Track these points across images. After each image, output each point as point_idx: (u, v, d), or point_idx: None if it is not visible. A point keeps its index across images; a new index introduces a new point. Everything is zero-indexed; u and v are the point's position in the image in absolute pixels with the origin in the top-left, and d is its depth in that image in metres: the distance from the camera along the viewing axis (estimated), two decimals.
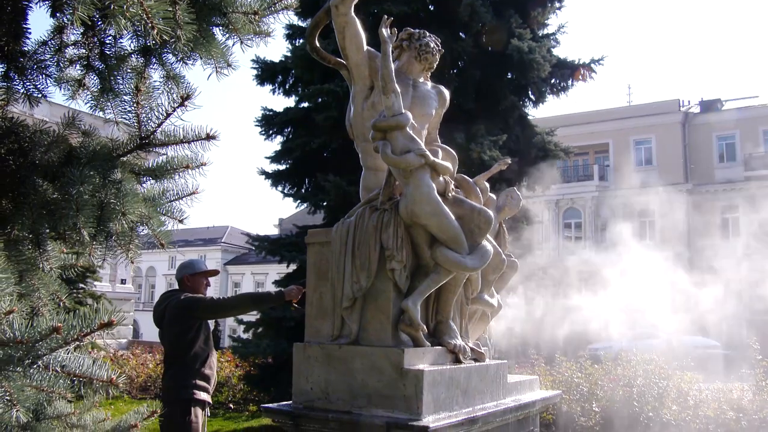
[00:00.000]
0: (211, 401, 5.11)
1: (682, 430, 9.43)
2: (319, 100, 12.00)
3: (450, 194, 4.39)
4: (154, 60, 2.60)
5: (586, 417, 10.28)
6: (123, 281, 33.77)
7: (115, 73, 2.61)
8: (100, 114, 2.64)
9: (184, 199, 2.74)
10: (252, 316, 12.37)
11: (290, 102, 13.70)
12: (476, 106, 12.51)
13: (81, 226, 2.33)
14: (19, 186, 2.45)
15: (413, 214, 4.11)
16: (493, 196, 5.40)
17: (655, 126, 37.40)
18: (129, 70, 2.62)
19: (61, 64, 2.72)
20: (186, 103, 2.50)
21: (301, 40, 12.74)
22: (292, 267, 12.51)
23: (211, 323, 5.52)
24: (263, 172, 13.21)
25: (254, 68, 13.29)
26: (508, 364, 5.17)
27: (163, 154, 2.66)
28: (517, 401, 4.87)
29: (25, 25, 2.72)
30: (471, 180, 4.92)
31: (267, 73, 13.31)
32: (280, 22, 2.76)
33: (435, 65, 4.94)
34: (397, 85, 4.21)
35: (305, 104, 12.83)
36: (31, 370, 1.93)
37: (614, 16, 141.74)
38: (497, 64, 12.84)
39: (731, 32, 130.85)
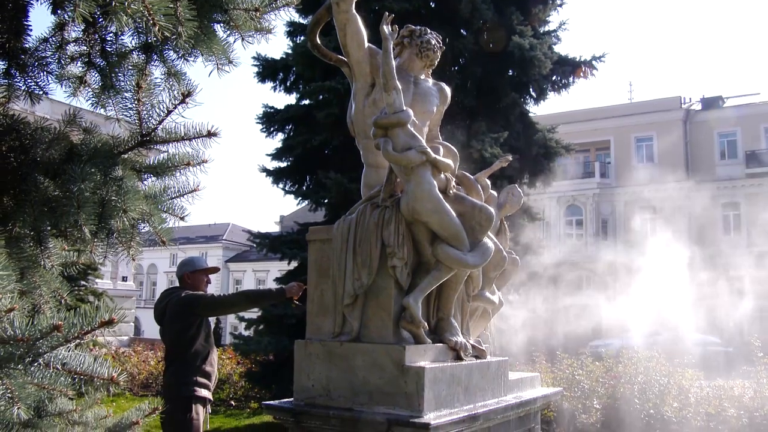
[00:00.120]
0: (212, 398, 5.12)
1: (683, 427, 9.43)
2: (320, 97, 11.99)
3: (451, 191, 4.39)
4: (155, 57, 2.60)
5: (587, 414, 10.28)
6: (124, 278, 33.80)
7: (117, 70, 2.61)
8: (101, 111, 2.64)
9: (185, 196, 2.74)
10: (253, 314, 12.37)
11: (291, 99, 13.70)
12: (477, 104, 12.51)
13: (82, 223, 2.33)
14: (21, 183, 2.45)
15: (414, 211, 4.11)
16: (495, 193, 5.39)
17: (657, 123, 37.37)
18: (130, 67, 2.62)
19: (62, 61, 2.71)
20: (187, 100, 2.49)
21: (302, 37, 12.72)
22: (294, 264, 12.51)
23: (212, 320, 5.53)
24: (264, 170, 13.21)
25: (255, 65, 13.28)
26: (510, 361, 5.17)
27: (165, 152, 2.66)
28: (518, 398, 4.87)
29: (26, 22, 2.71)
30: (472, 177, 4.92)
31: (268, 70, 13.29)
32: (281, 19, 2.76)
33: (436, 62, 4.94)
34: (398, 82, 4.21)
35: (306, 101, 12.82)
36: (32, 368, 1.93)
37: (615, 13, 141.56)
38: (498, 62, 12.82)
39: (733, 29, 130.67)
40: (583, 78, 13.85)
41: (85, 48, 2.72)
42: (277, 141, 13.35)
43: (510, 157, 5.78)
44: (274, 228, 45.72)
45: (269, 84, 13.47)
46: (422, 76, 4.88)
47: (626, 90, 77.10)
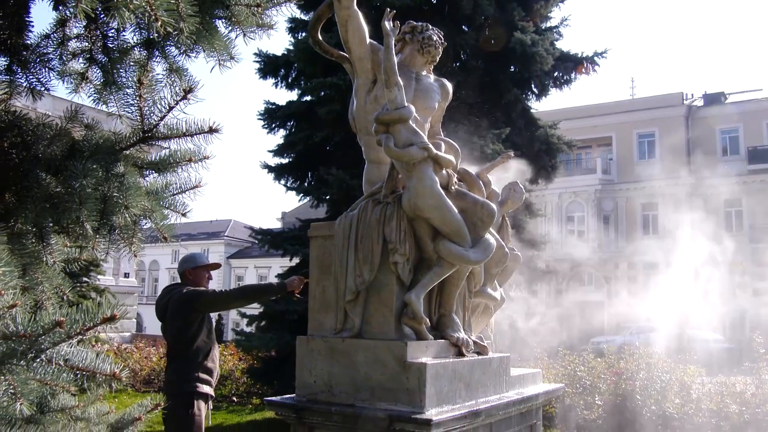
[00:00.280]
0: (214, 394, 5.12)
1: (685, 424, 9.44)
2: (322, 93, 11.98)
3: (453, 187, 4.38)
4: (156, 53, 2.60)
5: (589, 410, 10.29)
6: (126, 275, 33.80)
7: (118, 66, 2.61)
8: (103, 107, 2.64)
9: (187, 192, 2.74)
10: (255, 310, 12.38)
11: (293, 95, 13.70)
12: (479, 100, 12.50)
13: (84, 219, 2.33)
14: (22, 179, 2.45)
15: (416, 208, 4.11)
16: (497, 189, 5.38)
17: (659, 119, 37.34)
18: (132, 63, 2.62)
19: (64, 58, 2.72)
20: (189, 96, 2.49)
21: (304, 34, 12.71)
22: (295, 261, 12.52)
23: (214, 316, 5.53)
24: (266, 166, 13.21)
25: (257, 61, 13.27)
26: (511, 357, 5.18)
27: (166, 148, 2.66)
28: (520, 394, 4.87)
29: (27, 18, 2.71)
30: (474, 173, 4.91)
31: (269, 66, 13.28)
32: (282, 15, 2.76)
33: (438, 58, 4.93)
34: (399, 79, 4.21)
35: (308, 98, 12.81)
36: (35, 364, 1.93)
37: (617, 9, 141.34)
38: (500, 58, 12.81)
39: (735, 25, 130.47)
40: (585, 74, 13.83)
41: (86, 44, 2.72)
42: (278, 137, 13.36)
43: (512, 154, 5.77)
44: (276, 224, 45.79)
45: (271, 80, 13.47)
46: (424, 72, 4.87)
47: (628, 86, 77.06)
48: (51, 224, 2.48)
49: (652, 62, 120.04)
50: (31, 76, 2.71)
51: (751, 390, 9.93)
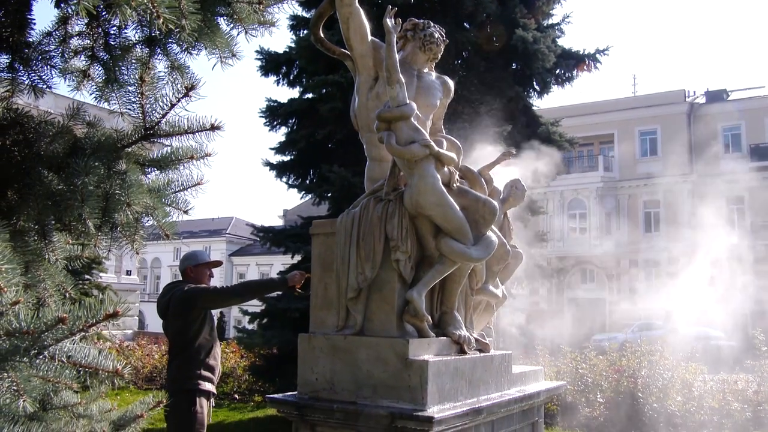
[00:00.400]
0: (215, 392, 5.13)
1: (687, 421, 9.44)
2: (324, 91, 11.98)
3: (455, 185, 4.38)
4: (158, 50, 2.60)
5: (591, 408, 10.29)
6: (128, 272, 33.81)
7: (120, 63, 2.61)
8: (105, 105, 2.64)
9: (188, 190, 2.74)
10: (257, 307, 12.39)
11: (295, 93, 13.69)
12: (481, 97, 12.48)
13: (86, 217, 2.34)
14: (25, 177, 2.45)
15: (418, 205, 4.11)
16: (498, 186, 5.38)
17: (661, 116, 37.30)
18: (133, 61, 2.62)
19: (66, 55, 2.72)
20: (190, 93, 2.49)
21: (306, 31, 12.70)
22: (297, 258, 12.53)
23: (216, 314, 5.52)
24: (268, 163, 13.21)
25: (258, 59, 13.27)
26: (513, 354, 5.18)
27: (168, 145, 2.65)
28: (521, 392, 4.88)
29: (29, 16, 2.72)
30: (475, 170, 4.91)
31: (271, 63, 13.28)
32: (284, 12, 2.77)
33: (439, 55, 4.93)
34: (401, 76, 4.20)
35: (310, 95, 12.81)
36: (38, 361, 1.93)
37: (619, 6, 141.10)
38: (502, 55, 12.79)
39: (737, 22, 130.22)
40: (587, 71, 13.82)
41: (88, 42, 2.72)
42: (280, 135, 13.38)
43: (514, 151, 5.76)
44: (278, 222, 45.82)
45: (272, 78, 13.47)
46: (425, 70, 4.87)
47: (630, 83, 76.97)
48: (53, 222, 2.49)
49: (655, 59, 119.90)
50: (33, 74, 2.72)
51: (753, 388, 9.93)
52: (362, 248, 4.15)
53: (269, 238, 12.92)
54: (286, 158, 13.25)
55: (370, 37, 4.69)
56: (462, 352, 4.41)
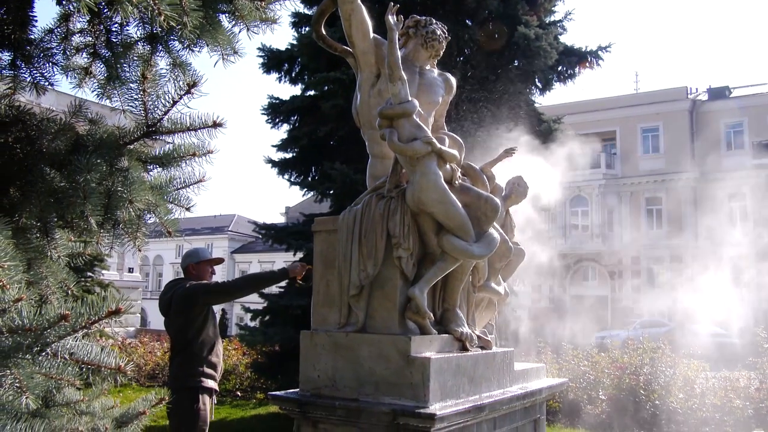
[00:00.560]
0: (218, 389, 5.13)
1: (689, 419, 9.44)
2: (326, 88, 11.97)
3: (457, 182, 4.38)
4: (160, 47, 2.60)
5: (593, 405, 10.30)
6: (130, 270, 33.85)
7: (122, 60, 2.61)
8: (107, 102, 2.64)
9: (191, 187, 2.74)
10: (259, 305, 12.40)
11: (296, 90, 13.69)
12: (482, 94, 12.47)
13: (88, 214, 2.34)
14: (27, 174, 2.45)
15: (420, 202, 4.11)
16: (501, 183, 5.38)
17: (663, 113, 37.22)
18: (135, 58, 2.62)
19: (68, 52, 2.72)
20: (192, 90, 2.49)
21: (307, 28, 12.69)
22: (299, 255, 12.53)
23: (218, 311, 5.53)
24: (270, 161, 13.21)
25: (260, 56, 13.26)
26: (515, 351, 5.18)
27: (170, 142, 2.66)
28: (523, 389, 4.87)
29: (31, 13, 2.72)
30: (477, 168, 4.90)
31: (273, 61, 13.27)
32: (286, 9, 2.77)
33: (441, 53, 4.92)
34: (403, 73, 4.20)
35: (311, 92, 12.80)
36: (40, 358, 1.94)
37: (621, 3, 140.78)
38: (504, 52, 12.77)
39: (739, 19, 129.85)
40: (589, 68, 13.80)
41: (90, 39, 2.72)
42: (282, 132, 13.36)
43: (516, 149, 5.75)
44: (280, 219, 45.81)
45: (274, 75, 13.47)
46: (427, 67, 4.86)
47: (632, 80, 76.89)
48: (55, 219, 2.49)
49: (656, 56, 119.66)
50: (35, 71, 2.72)
51: (755, 385, 9.93)
52: (364, 245, 4.15)
53: (271, 236, 12.93)
54: (288, 155, 13.25)
55: (371, 34, 4.69)
56: (464, 349, 4.41)
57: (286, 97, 13.29)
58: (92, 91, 2.67)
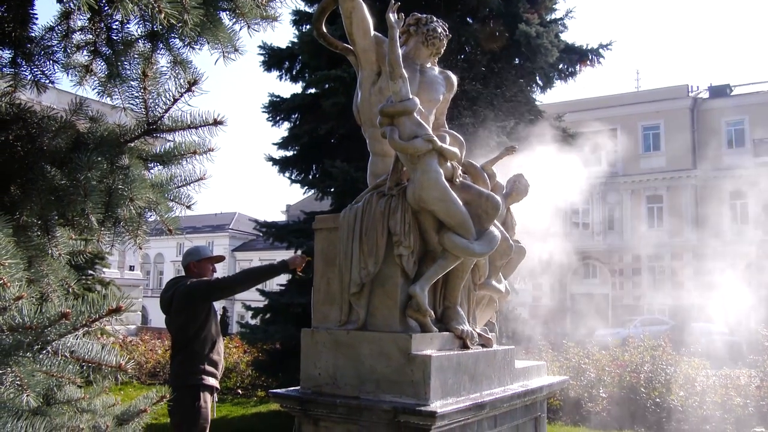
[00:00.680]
0: (219, 387, 5.14)
1: (689, 416, 9.45)
2: (326, 86, 11.97)
3: (457, 180, 4.37)
4: (161, 45, 2.60)
5: (594, 402, 10.30)
6: (131, 268, 33.90)
7: (122, 58, 2.61)
8: (108, 100, 2.64)
9: (191, 184, 2.74)
10: (260, 302, 12.42)
11: (297, 88, 13.69)
12: (483, 92, 12.46)
13: (89, 212, 2.34)
14: (27, 172, 2.45)
15: (421, 200, 4.10)
16: (501, 181, 5.37)
17: (664, 111, 37.20)
18: (136, 56, 2.62)
19: (68, 50, 2.72)
20: (193, 88, 2.49)
21: (308, 26, 12.69)
22: (300, 253, 12.54)
23: (219, 309, 5.53)
24: (270, 159, 13.21)
25: (261, 54, 13.26)
26: (516, 349, 5.18)
27: (171, 140, 2.66)
28: (524, 387, 4.87)
29: (32, 11, 2.71)
30: (478, 165, 4.90)
31: (274, 59, 13.27)
32: (286, 7, 2.77)
33: (442, 50, 4.91)
34: (404, 71, 4.19)
35: (312, 90, 12.80)
36: (41, 356, 1.94)
37: (622, 1, 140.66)
38: (505, 50, 12.76)
39: (741, 17, 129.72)
40: (590, 66, 13.78)
41: (90, 37, 2.72)
42: (283, 130, 13.37)
43: (516, 147, 5.75)
44: (281, 217, 45.80)
45: (275, 73, 13.47)
46: (428, 65, 4.86)
47: (633, 78, 76.83)
48: (56, 217, 2.49)
49: (658, 54, 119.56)
50: (35, 69, 2.72)
51: (756, 383, 9.93)
52: (365, 243, 4.14)
53: (272, 234, 12.93)
54: (289, 153, 13.26)
55: (372, 32, 4.68)
56: (465, 347, 4.41)
57: (286, 95, 13.30)
58: (93, 89, 2.67)
